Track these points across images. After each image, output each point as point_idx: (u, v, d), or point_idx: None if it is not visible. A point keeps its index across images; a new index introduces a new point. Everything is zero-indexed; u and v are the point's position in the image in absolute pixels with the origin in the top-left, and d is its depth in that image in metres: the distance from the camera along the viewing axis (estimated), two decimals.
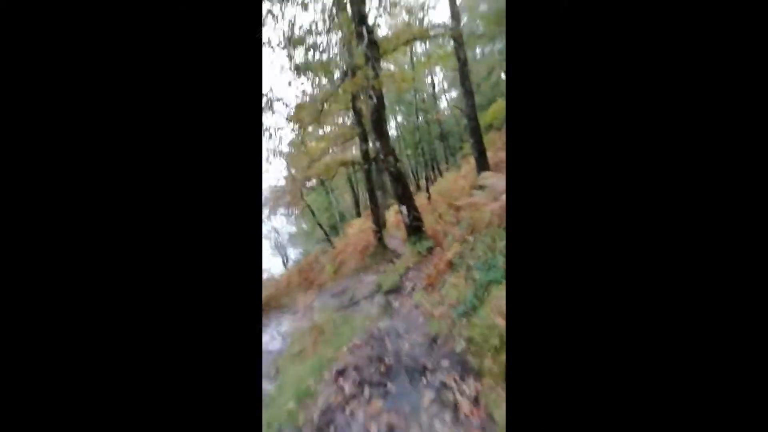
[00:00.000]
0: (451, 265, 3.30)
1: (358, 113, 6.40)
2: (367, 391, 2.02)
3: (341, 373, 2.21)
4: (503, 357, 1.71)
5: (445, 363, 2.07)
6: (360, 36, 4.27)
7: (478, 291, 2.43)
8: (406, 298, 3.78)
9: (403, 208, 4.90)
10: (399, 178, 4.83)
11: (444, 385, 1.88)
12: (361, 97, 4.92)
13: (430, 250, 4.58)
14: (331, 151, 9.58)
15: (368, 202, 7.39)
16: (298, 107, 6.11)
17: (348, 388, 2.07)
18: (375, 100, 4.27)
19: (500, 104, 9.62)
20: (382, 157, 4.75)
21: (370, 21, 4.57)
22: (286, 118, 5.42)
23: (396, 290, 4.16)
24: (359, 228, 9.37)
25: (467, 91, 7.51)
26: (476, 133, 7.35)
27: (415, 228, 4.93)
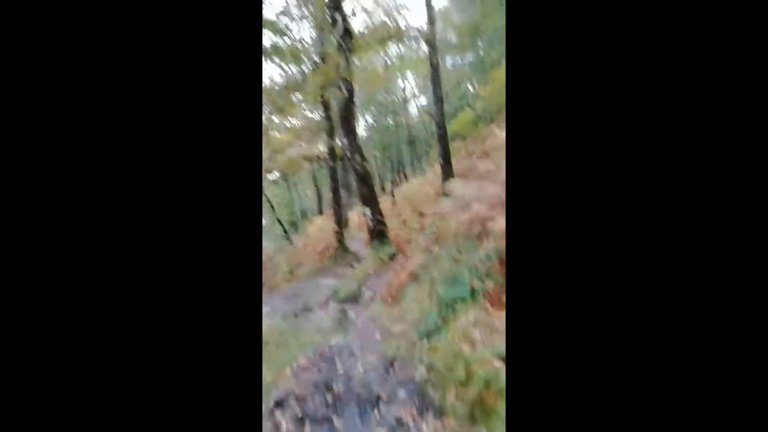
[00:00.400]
0: (413, 277, 3.06)
1: (326, 106, 5.99)
2: (308, 428, 1.69)
3: (279, 404, 1.85)
4: (470, 394, 1.47)
5: (402, 394, 1.80)
6: (334, 22, 3.91)
7: (442, 309, 2.20)
8: (363, 309, 3.48)
9: (367, 210, 4.62)
10: (365, 178, 4.53)
11: (399, 422, 1.61)
12: (331, 89, 4.54)
13: (392, 257, 4.33)
14: (296, 145, 9.02)
15: (332, 201, 7.00)
16: (264, 92, 5.56)
17: (286, 425, 1.71)
18: (345, 92, 3.92)
19: (468, 114, 9.72)
20: (348, 154, 4.41)
21: (347, 9, 4.23)
22: None
23: (353, 299, 3.84)
24: (320, 227, 8.90)
25: (438, 98, 7.43)
26: (443, 140, 7.28)
27: (378, 232, 4.67)
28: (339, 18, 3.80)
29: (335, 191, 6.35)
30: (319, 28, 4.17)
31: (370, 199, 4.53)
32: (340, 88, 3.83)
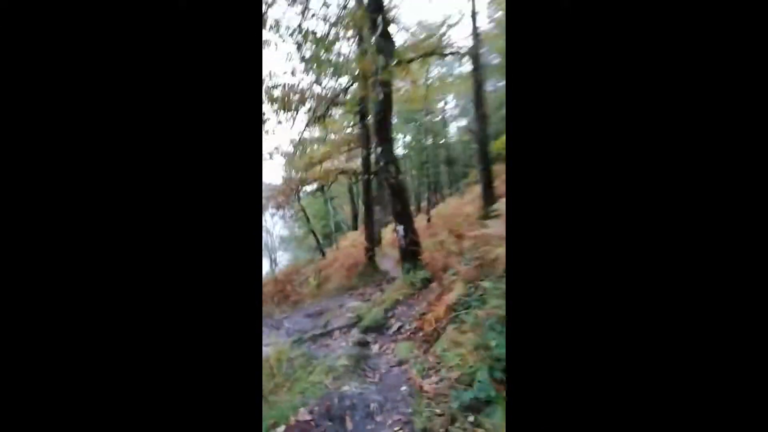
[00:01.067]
0: (451, 312, 2.44)
1: (363, 116, 5.68)
2: None
3: None
4: None
5: None
6: (374, 25, 3.58)
7: (494, 370, 1.57)
8: (389, 344, 2.89)
9: (400, 228, 4.09)
10: (399, 193, 4.03)
11: None
12: (369, 99, 4.19)
13: (425, 282, 3.72)
14: (336, 159, 8.88)
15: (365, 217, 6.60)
16: (301, 101, 5.39)
17: None
18: (382, 95, 3.52)
19: None
20: (382, 164, 3.96)
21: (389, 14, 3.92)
22: (282, 108, 4.66)
23: (378, 328, 3.26)
24: (352, 242, 8.51)
25: (481, 115, 6.90)
26: (485, 160, 6.68)
27: (410, 253, 4.10)
28: (379, 20, 3.46)
29: (368, 206, 5.92)
30: (359, 26, 3.85)
31: (403, 215, 4.01)
32: (376, 85, 3.43)
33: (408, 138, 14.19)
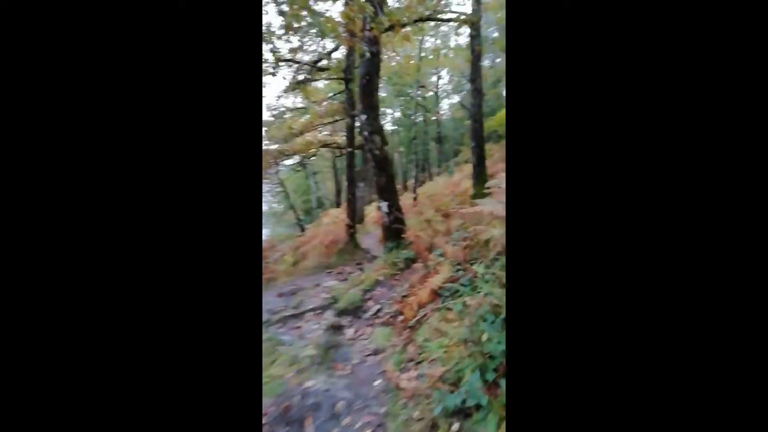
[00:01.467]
0: (438, 299, 2.16)
1: (348, 82, 5.14)
2: None
3: None
4: None
5: None
6: None
7: (487, 371, 1.29)
8: (365, 328, 2.62)
9: (384, 204, 3.74)
10: (383, 166, 3.65)
11: None
12: (356, 51, 3.67)
13: (409, 263, 3.44)
14: (318, 132, 8.29)
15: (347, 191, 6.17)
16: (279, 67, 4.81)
17: None
18: (368, 54, 3.05)
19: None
20: (366, 134, 3.55)
21: None
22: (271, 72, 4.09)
23: (354, 311, 2.99)
24: (333, 219, 8.15)
25: (477, 90, 6.44)
26: (478, 137, 6.29)
27: (394, 231, 3.78)
28: None
29: (350, 179, 5.51)
30: None
31: (387, 190, 3.65)
32: (362, 48, 2.94)
33: (398, 113, 13.58)
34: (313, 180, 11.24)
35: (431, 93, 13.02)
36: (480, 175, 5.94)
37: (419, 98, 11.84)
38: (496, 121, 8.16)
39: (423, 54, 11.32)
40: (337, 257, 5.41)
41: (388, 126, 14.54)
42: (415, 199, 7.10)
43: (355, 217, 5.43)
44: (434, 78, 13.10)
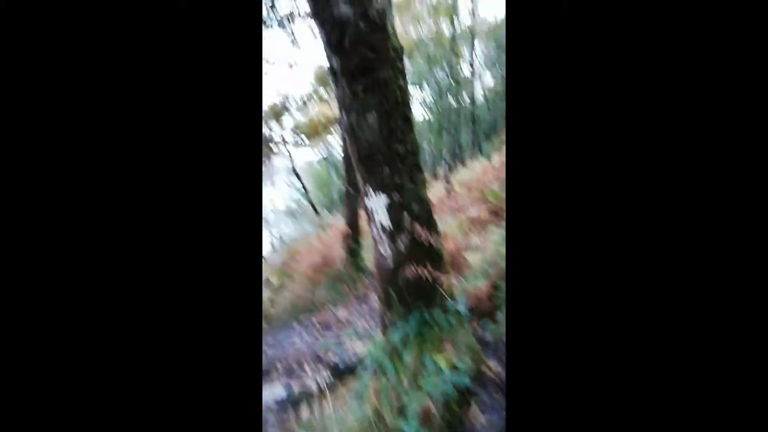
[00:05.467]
0: None
1: None
2: None
3: None
4: None
5: None
6: None
7: None
8: None
9: (379, 200, 1.62)
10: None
11: None
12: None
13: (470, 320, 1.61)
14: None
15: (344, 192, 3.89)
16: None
17: None
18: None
19: None
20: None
21: None
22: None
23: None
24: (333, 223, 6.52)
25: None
26: None
27: (410, 249, 1.61)
28: None
29: (347, 169, 3.81)
30: None
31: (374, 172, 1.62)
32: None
33: (427, 97, 11.78)
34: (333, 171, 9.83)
35: (463, 75, 11.03)
36: None
37: (450, 78, 9.98)
38: None
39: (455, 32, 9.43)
40: (326, 292, 3.13)
41: (418, 112, 12.81)
42: (449, 190, 5.43)
43: (356, 224, 3.75)
44: (466, 53, 11.07)
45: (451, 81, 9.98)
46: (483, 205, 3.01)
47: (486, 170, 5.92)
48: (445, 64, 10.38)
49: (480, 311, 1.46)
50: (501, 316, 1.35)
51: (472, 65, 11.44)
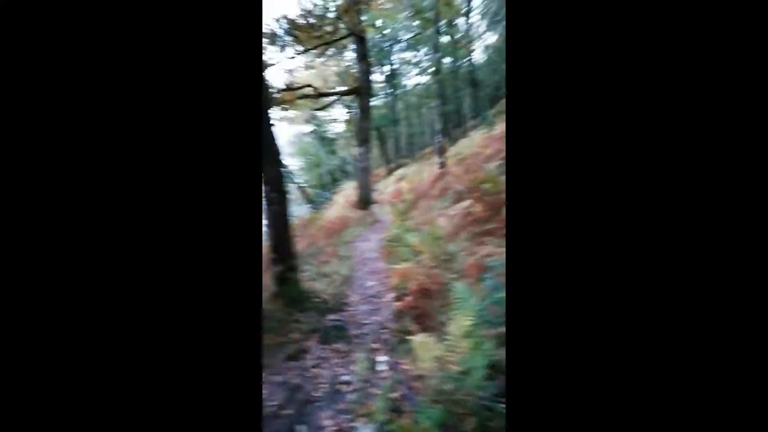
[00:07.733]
0: None
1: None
2: None
3: None
4: None
5: None
6: None
7: None
8: None
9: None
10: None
11: None
12: None
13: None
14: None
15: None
16: None
17: None
18: None
19: None
20: None
21: None
22: None
23: None
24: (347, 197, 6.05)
25: None
26: None
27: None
28: None
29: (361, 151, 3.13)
30: None
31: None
32: None
33: (423, 59, 10.54)
34: (323, 148, 8.90)
35: (462, 33, 9.66)
36: None
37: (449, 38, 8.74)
38: None
39: None
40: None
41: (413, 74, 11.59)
42: (442, 165, 4.83)
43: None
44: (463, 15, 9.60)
45: (451, 38, 8.74)
46: (474, 195, 2.46)
47: (486, 142, 5.21)
48: (441, 20, 9.07)
49: None
50: None
51: (468, 21, 10.00)
